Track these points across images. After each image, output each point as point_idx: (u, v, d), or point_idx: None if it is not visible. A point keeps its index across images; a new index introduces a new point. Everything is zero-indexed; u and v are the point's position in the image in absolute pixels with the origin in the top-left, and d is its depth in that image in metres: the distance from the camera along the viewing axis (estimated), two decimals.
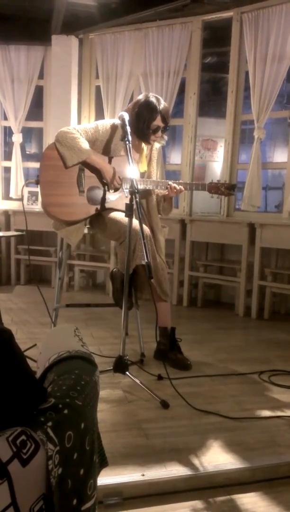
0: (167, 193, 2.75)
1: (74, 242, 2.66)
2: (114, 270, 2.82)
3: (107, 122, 2.73)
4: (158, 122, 2.66)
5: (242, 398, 2.35)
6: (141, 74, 4.51)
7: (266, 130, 4.11)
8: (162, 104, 2.67)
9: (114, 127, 2.68)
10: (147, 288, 2.62)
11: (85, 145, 2.56)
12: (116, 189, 2.65)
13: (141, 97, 2.71)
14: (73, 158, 2.54)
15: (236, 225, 4.06)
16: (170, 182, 2.72)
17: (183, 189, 2.74)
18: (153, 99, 2.65)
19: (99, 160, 2.60)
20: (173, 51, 4.35)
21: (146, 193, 2.78)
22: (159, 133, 2.70)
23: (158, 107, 2.63)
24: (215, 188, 2.77)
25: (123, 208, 2.59)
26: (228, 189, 2.79)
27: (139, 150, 2.79)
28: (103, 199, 2.65)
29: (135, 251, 2.45)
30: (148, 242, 2.55)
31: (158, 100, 2.66)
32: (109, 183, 2.62)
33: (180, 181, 2.81)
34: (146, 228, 2.60)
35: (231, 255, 4.45)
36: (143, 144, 2.79)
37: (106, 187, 2.65)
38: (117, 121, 2.69)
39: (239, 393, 2.41)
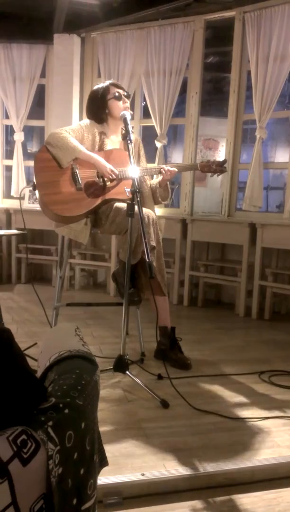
0: (162, 177, 2.79)
1: (84, 240, 2.69)
2: (115, 270, 2.83)
3: (87, 119, 2.82)
4: (113, 90, 2.76)
5: (242, 398, 2.35)
6: (143, 73, 4.50)
7: (268, 130, 4.10)
8: (109, 83, 2.81)
9: (96, 124, 2.77)
10: (148, 288, 2.63)
11: (76, 142, 2.63)
12: (112, 180, 2.67)
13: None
14: (66, 157, 2.60)
15: (237, 225, 4.05)
16: (163, 166, 2.78)
17: (176, 170, 2.79)
18: (96, 86, 2.84)
19: (92, 155, 2.64)
20: (175, 51, 4.35)
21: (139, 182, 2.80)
22: (125, 99, 2.77)
23: (105, 84, 2.79)
24: (207, 167, 2.81)
25: (123, 196, 2.61)
26: (219, 165, 2.82)
27: (125, 146, 2.82)
28: (102, 191, 2.66)
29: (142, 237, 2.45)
30: (154, 226, 2.58)
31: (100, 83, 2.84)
32: (105, 176, 2.64)
33: (173, 163, 2.87)
34: (149, 211, 2.62)
35: (232, 255, 4.45)
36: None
37: (102, 179, 2.67)
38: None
39: (239, 393, 2.41)
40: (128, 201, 2.29)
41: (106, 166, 2.62)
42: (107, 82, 2.81)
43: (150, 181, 2.89)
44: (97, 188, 2.66)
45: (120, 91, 2.76)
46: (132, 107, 4.48)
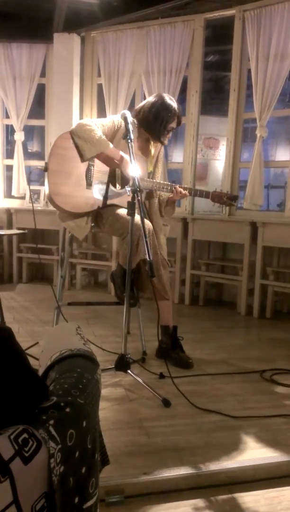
0: (171, 195, 2.77)
1: (81, 235, 2.66)
2: (113, 271, 2.83)
3: (120, 118, 2.70)
4: (173, 124, 2.70)
5: (244, 397, 2.35)
6: (143, 72, 4.50)
7: (269, 128, 4.10)
8: (178, 107, 2.71)
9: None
10: (149, 287, 2.63)
11: (102, 137, 2.54)
12: (122, 186, 2.64)
13: (156, 98, 2.70)
14: (91, 150, 2.51)
15: (238, 224, 4.05)
16: (176, 186, 2.74)
17: (187, 194, 2.77)
18: (171, 102, 2.68)
19: (117, 152, 2.57)
20: (175, 49, 4.34)
21: (149, 195, 2.79)
22: (170, 134, 2.75)
23: (176, 110, 2.68)
24: (218, 197, 2.81)
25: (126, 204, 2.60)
26: (230, 199, 2.82)
27: (146, 151, 2.79)
28: (108, 194, 2.65)
29: (138, 246, 2.44)
30: (149, 237, 2.56)
31: (173, 101, 2.70)
32: (127, 174, 2.57)
33: (186, 186, 2.84)
34: (148, 223, 2.61)
35: (233, 254, 4.45)
36: (151, 146, 2.80)
37: (114, 182, 2.64)
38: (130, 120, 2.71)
39: (241, 392, 2.41)
40: (128, 201, 2.28)
41: (129, 164, 2.53)
42: (176, 110, 2.67)
43: (159, 192, 2.85)
44: (105, 190, 2.64)
45: (175, 126, 2.71)
46: (132, 106, 4.49)
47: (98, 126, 2.57)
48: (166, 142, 2.79)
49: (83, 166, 2.59)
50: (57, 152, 2.57)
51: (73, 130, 2.55)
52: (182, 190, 2.74)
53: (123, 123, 2.62)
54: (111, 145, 2.55)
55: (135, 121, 2.72)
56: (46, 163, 2.56)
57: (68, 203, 2.56)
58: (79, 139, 2.52)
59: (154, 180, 2.77)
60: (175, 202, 2.86)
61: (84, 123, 2.56)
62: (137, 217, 2.32)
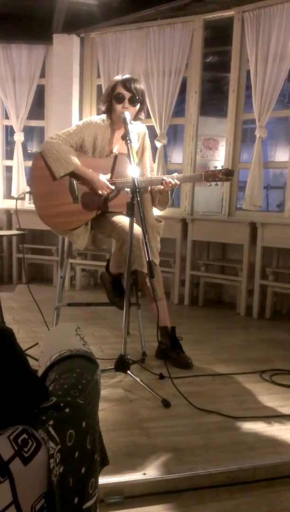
0: (162, 188, 2.66)
1: (82, 245, 2.64)
2: (101, 273, 2.82)
3: (89, 120, 2.70)
4: (119, 89, 2.59)
5: (244, 398, 2.35)
6: (143, 73, 4.50)
7: (268, 129, 4.10)
8: (124, 76, 2.66)
9: (96, 125, 2.65)
10: (141, 282, 2.60)
11: (71, 155, 2.55)
12: (108, 194, 2.62)
13: None
14: (59, 170, 2.54)
15: (237, 224, 4.05)
16: (164, 177, 2.62)
17: (177, 182, 2.63)
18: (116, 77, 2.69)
19: (87, 171, 2.58)
20: (175, 50, 4.35)
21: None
22: (126, 103, 2.58)
23: (119, 78, 2.63)
24: (212, 176, 2.64)
25: (121, 209, 2.58)
26: (226, 174, 2.64)
27: (124, 145, 2.76)
28: (99, 203, 2.62)
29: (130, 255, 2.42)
30: (139, 243, 2.51)
31: (120, 76, 2.66)
32: (101, 192, 2.58)
33: (175, 174, 2.67)
34: (140, 232, 2.54)
35: (232, 255, 4.45)
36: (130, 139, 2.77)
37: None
38: (99, 117, 2.68)
39: (240, 393, 2.41)
40: (128, 201, 2.27)
41: (100, 181, 2.56)
42: (119, 78, 2.62)
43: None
44: (94, 199, 2.61)
45: (125, 93, 2.57)
46: None
47: (67, 140, 2.57)
48: (121, 115, 2.55)
49: (66, 182, 2.58)
50: (36, 174, 2.59)
51: (42, 149, 2.57)
52: (171, 180, 2.60)
53: (91, 124, 2.63)
54: (79, 164, 2.54)
55: (104, 120, 2.67)
56: (29, 186, 2.58)
57: (61, 222, 2.58)
58: (48, 158, 2.54)
59: (141, 177, 2.68)
60: (168, 192, 2.73)
61: (51, 141, 2.57)
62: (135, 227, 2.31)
